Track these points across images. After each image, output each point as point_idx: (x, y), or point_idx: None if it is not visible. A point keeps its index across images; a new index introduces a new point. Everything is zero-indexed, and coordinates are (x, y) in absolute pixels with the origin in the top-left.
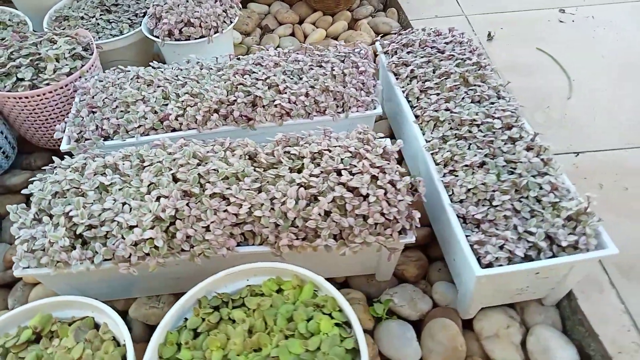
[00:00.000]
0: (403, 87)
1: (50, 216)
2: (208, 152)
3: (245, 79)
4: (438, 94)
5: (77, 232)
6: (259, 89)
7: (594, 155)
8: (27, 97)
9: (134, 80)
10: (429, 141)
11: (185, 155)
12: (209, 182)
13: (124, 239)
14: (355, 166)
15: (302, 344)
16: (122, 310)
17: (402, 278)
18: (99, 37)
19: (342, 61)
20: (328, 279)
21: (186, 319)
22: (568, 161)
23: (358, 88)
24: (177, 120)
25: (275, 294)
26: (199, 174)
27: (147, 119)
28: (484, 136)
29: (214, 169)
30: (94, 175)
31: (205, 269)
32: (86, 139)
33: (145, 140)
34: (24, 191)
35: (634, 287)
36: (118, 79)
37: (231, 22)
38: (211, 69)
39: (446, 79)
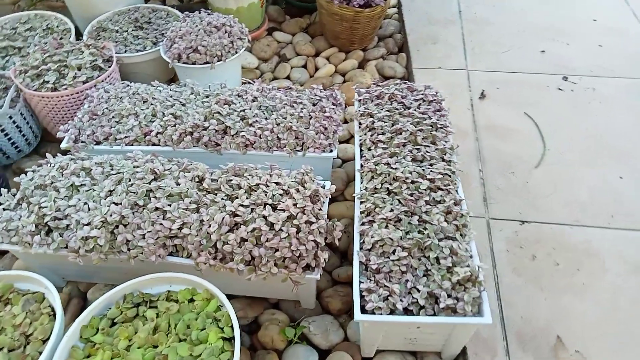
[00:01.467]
0: (360, 136)
1: (29, 204)
2: (166, 169)
3: (223, 108)
4: (385, 148)
5: (45, 221)
6: (231, 119)
7: (539, 226)
8: (48, 97)
9: (133, 96)
10: (361, 190)
11: (144, 170)
12: (155, 197)
13: (76, 233)
14: (282, 202)
15: (189, 348)
16: (84, 291)
17: (326, 309)
18: (125, 51)
19: (314, 104)
20: (259, 298)
21: (109, 308)
22: (511, 228)
23: (319, 131)
24: (157, 137)
25: (187, 302)
26: (149, 189)
27: (133, 131)
28: (410, 194)
29: (163, 187)
30: (71, 175)
31: (143, 270)
32: (81, 141)
33: (128, 150)
34: (15, 179)
35: (527, 359)
36: (121, 92)
37: (236, 53)
38: (199, 94)
39: (398, 135)
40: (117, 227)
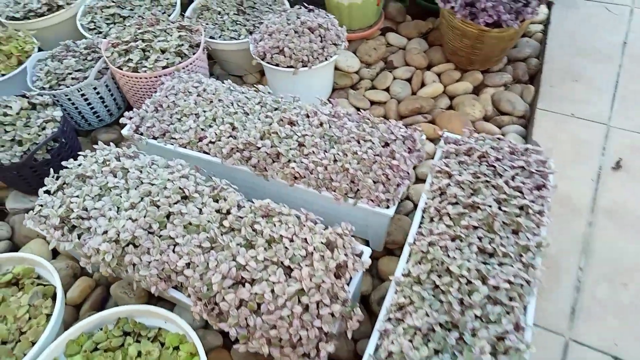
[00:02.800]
0: (427, 199)
1: (63, 194)
2: (197, 191)
3: (284, 128)
4: (450, 226)
5: (70, 217)
6: (287, 144)
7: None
8: (128, 77)
9: (201, 93)
10: (402, 274)
11: (173, 189)
12: (172, 223)
13: (91, 240)
14: (298, 268)
15: None
16: (112, 282)
17: None
18: (220, 36)
19: (385, 144)
20: None
21: (101, 329)
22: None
23: (379, 180)
24: (209, 145)
25: (172, 349)
26: (168, 213)
27: (188, 133)
28: (459, 300)
29: (184, 212)
30: (109, 173)
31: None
32: (140, 133)
33: (179, 152)
34: (63, 163)
35: None
36: (192, 86)
37: (326, 60)
38: (266, 105)
39: (472, 211)
40: (130, 244)
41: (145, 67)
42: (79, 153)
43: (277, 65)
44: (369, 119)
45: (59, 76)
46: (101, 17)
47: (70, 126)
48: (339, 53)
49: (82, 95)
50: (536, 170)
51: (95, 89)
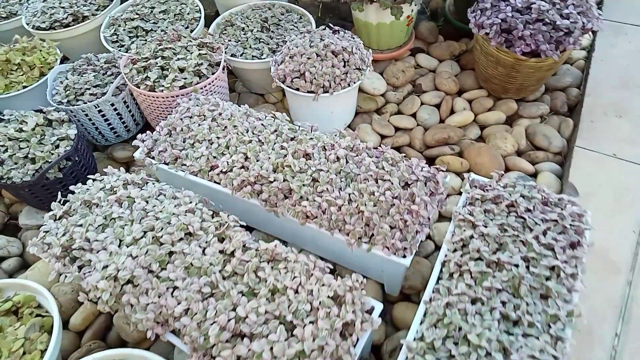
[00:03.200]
0: (447, 251)
1: (67, 222)
2: (202, 228)
3: (298, 161)
4: (470, 286)
5: (72, 247)
6: (300, 179)
7: None
8: (145, 95)
9: (216, 118)
10: (415, 339)
11: (177, 225)
12: (173, 263)
13: (90, 275)
14: (301, 326)
15: None
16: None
17: None
18: (242, 54)
19: (406, 184)
20: None
21: None
22: None
23: (396, 226)
24: (219, 175)
25: None
26: (170, 252)
27: (200, 161)
28: None
29: (187, 252)
30: (115, 202)
31: None
32: (152, 157)
33: (190, 180)
34: (72, 187)
35: None
36: (207, 110)
37: (349, 86)
38: (282, 134)
39: (497, 270)
40: (129, 282)
41: (162, 86)
42: (88, 177)
43: (297, 89)
44: (388, 155)
45: (77, 91)
46: (124, 29)
47: (85, 143)
48: (363, 79)
49: (99, 111)
50: (571, 225)
51: (112, 105)
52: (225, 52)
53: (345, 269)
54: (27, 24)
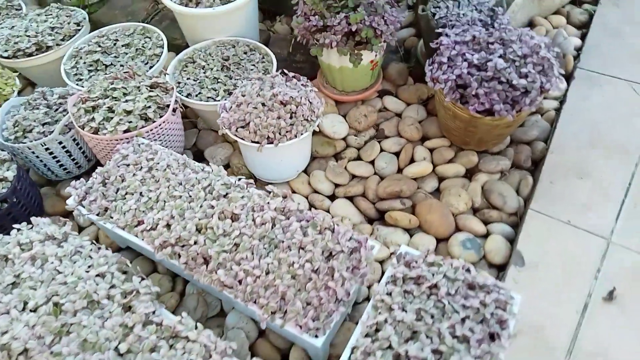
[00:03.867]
0: (359, 336)
1: None
2: (108, 297)
3: (223, 223)
4: None
5: None
6: (220, 245)
7: None
8: (88, 137)
9: (153, 167)
10: None
11: (80, 293)
12: (69, 336)
13: None
14: None
15: None
16: None
17: None
18: (199, 93)
19: (330, 255)
20: None
21: None
22: None
23: (310, 303)
24: (143, 233)
25: None
26: (67, 323)
27: (127, 215)
28: None
29: (85, 325)
30: (28, 260)
31: None
32: (82, 206)
33: (120, 234)
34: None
35: None
36: (146, 159)
37: (295, 137)
38: (212, 191)
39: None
40: (22, 352)
41: (106, 129)
42: (14, 226)
43: (242, 138)
44: (317, 222)
45: (26, 127)
46: (84, 62)
47: (29, 181)
48: (311, 130)
49: (47, 149)
50: (493, 314)
51: (61, 143)
52: (182, 91)
53: (274, 332)
54: None
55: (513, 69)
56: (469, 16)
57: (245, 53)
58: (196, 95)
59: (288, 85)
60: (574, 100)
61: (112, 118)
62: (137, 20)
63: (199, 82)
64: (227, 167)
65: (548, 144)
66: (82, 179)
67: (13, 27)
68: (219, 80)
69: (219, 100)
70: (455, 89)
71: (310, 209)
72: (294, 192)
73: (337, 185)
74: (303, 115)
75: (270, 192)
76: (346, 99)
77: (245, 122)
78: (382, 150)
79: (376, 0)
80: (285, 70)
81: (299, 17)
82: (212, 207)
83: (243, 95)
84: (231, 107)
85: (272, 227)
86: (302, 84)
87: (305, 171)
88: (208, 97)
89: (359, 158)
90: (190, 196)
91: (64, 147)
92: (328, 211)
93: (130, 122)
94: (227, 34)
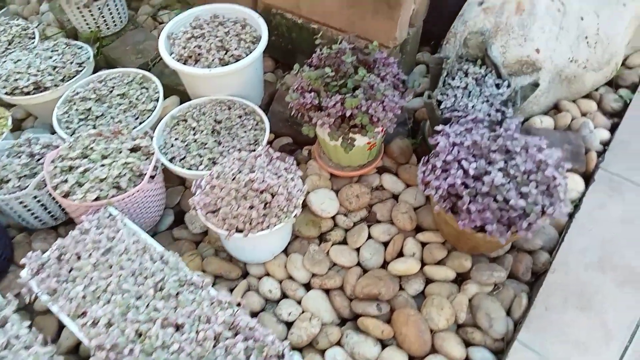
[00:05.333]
0: None
1: None
2: None
3: (164, 333)
4: None
5: None
6: (156, 358)
7: None
8: (58, 199)
9: (112, 249)
10: None
11: None
12: None
13: None
14: None
15: None
16: None
17: None
18: (182, 159)
19: None
20: None
21: None
22: None
23: None
24: (83, 328)
25: None
26: None
27: (73, 302)
28: None
29: None
30: None
31: None
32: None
33: (65, 321)
34: None
35: None
36: (107, 237)
37: (270, 227)
38: (162, 289)
39: None
40: None
41: (76, 197)
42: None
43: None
44: (265, 346)
45: (3, 178)
46: (77, 110)
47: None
48: (286, 222)
49: (21, 202)
50: None
51: (35, 197)
52: (167, 154)
53: None
54: None
55: (513, 185)
56: (478, 108)
57: (239, 117)
58: (180, 160)
59: (269, 169)
60: (589, 208)
61: (84, 184)
62: (147, 58)
63: (186, 145)
64: (205, 234)
65: (553, 256)
66: (37, 252)
67: (18, 60)
68: (205, 145)
69: (201, 170)
70: (447, 196)
71: (282, 298)
72: (268, 274)
73: (314, 275)
74: (279, 206)
75: (222, 302)
76: (341, 174)
77: (216, 207)
78: (370, 236)
79: (377, 84)
80: (271, 150)
81: (294, 92)
82: (157, 309)
83: (217, 178)
84: (205, 187)
85: (214, 346)
86: (285, 168)
87: (285, 250)
88: (191, 165)
89: (344, 242)
90: (139, 291)
91: (39, 200)
92: (300, 302)
93: (101, 190)
94: (227, 92)
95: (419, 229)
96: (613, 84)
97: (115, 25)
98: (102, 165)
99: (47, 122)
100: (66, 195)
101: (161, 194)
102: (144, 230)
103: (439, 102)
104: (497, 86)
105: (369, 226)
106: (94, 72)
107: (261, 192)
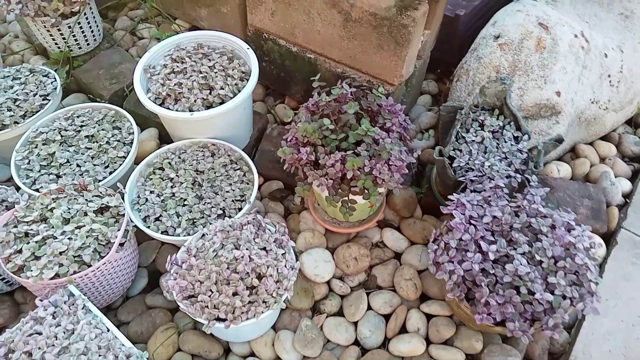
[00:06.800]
0: None
1: None
2: None
3: None
4: None
5: None
6: None
7: None
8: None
9: (65, 348)
10: None
11: None
12: None
13: None
14: None
15: None
16: None
17: None
18: (158, 218)
19: None
20: None
21: None
22: None
23: None
24: None
25: None
26: None
27: None
28: None
29: None
30: None
31: None
32: None
33: None
34: None
35: None
36: (65, 329)
37: (253, 318)
38: None
39: None
40: None
41: (31, 271)
42: None
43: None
44: None
45: None
46: (38, 155)
47: None
48: (273, 309)
49: None
50: None
51: None
52: (140, 211)
53: None
54: None
55: (539, 273)
56: (496, 168)
57: (224, 166)
58: (155, 220)
59: (257, 242)
60: (612, 280)
61: (40, 257)
62: (122, 84)
63: (162, 201)
64: None
65: (572, 335)
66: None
67: None
68: (185, 201)
69: (178, 233)
70: (462, 282)
71: None
72: (253, 354)
73: (305, 357)
74: (267, 290)
75: None
76: (337, 230)
77: (194, 292)
78: (370, 307)
79: (382, 140)
80: (260, 216)
81: (288, 145)
82: None
83: (195, 256)
84: (180, 264)
85: None
86: (275, 240)
87: (274, 326)
88: (167, 227)
89: (340, 312)
90: None
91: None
92: None
93: (60, 265)
94: (211, 134)
95: (423, 297)
96: (632, 122)
97: (88, 44)
98: (63, 233)
99: (6, 157)
100: (20, 269)
101: (132, 259)
102: (114, 299)
103: (451, 158)
104: (516, 139)
105: (368, 293)
106: (63, 97)
107: (247, 274)
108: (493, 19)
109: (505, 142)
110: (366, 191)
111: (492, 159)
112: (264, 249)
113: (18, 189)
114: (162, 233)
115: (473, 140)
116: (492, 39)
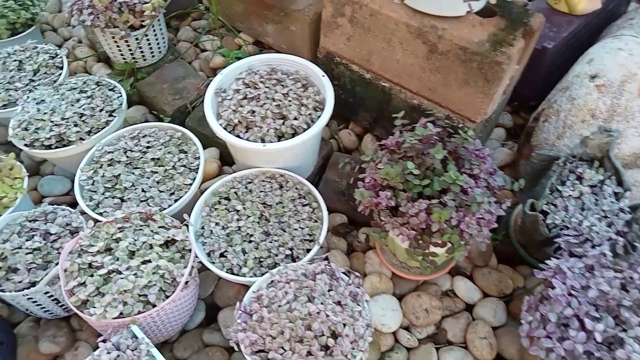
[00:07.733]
0: None
1: None
2: None
3: None
4: None
5: None
6: None
7: None
8: (72, 308)
9: None
10: None
11: None
12: None
13: None
14: None
15: None
16: None
17: None
18: (223, 253)
19: None
20: None
21: None
22: None
23: None
24: None
25: None
26: None
27: None
28: None
29: None
30: None
31: None
32: None
33: None
34: None
35: None
36: None
37: None
38: None
39: None
40: None
41: (94, 308)
42: None
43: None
44: None
45: (11, 265)
46: (103, 177)
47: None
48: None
49: (30, 298)
50: None
51: (47, 293)
52: (204, 244)
53: None
54: (13, 137)
55: None
56: (596, 229)
57: (292, 201)
58: (220, 255)
59: (331, 295)
60: None
61: (104, 294)
62: (186, 100)
63: (228, 235)
64: None
65: None
66: None
67: (41, 101)
68: (252, 238)
69: (244, 275)
70: None
71: None
72: None
73: None
74: (342, 351)
75: None
76: (407, 277)
77: (265, 347)
78: None
79: (471, 190)
80: (334, 264)
81: (365, 187)
82: None
83: (267, 306)
84: (251, 315)
85: None
86: (350, 292)
87: None
88: (233, 265)
89: None
90: None
91: (50, 295)
92: None
93: (125, 304)
94: (278, 165)
95: (499, 357)
96: None
97: (153, 56)
98: (128, 268)
99: (69, 171)
100: (83, 303)
101: (194, 295)
102: (172, 335)
103: (544, 213)
104: (616, 195)
105: (437, 348)
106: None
107: (321, 332)
108: (588, 56)
109: (605, 198)
110: (451, 245)
111: (591, 218)
112: (339, 302)
113: (76, 204)
114: (226, 271)
115: (570, 195)
116: (587, 79)
